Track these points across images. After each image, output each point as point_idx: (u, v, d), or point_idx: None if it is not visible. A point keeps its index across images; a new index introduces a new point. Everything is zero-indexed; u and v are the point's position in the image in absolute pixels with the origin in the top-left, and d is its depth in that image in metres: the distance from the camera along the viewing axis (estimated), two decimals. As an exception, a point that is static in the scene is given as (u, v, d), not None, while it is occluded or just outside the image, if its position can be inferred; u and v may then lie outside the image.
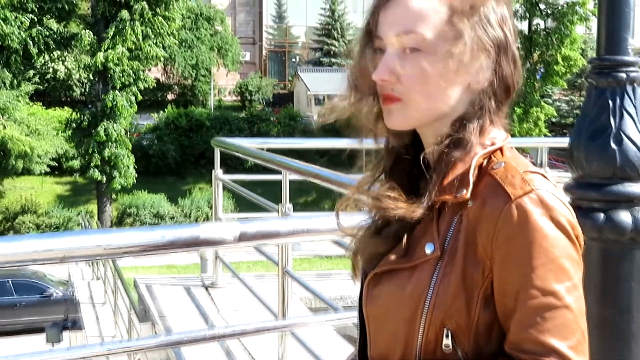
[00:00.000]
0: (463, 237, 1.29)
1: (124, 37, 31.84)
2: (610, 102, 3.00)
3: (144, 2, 32.05)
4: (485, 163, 1.34)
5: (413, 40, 1.34)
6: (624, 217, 2.90)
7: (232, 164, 25.91)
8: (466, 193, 1.30)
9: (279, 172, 5.10)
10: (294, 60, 60.62)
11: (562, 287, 1.24)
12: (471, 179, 1.31)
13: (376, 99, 1.41)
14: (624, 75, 3.00)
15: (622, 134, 2.97)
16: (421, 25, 1.34)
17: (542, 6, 32.67)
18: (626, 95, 3.00)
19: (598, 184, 2.96)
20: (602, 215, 2.90)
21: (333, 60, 54.38)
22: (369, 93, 1.41)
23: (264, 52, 60.10)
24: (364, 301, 1.43)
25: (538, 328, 1.23)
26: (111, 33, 31.97)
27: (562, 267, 1.24)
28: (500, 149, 1.36)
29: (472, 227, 1.28)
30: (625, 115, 2.98)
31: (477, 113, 1.36)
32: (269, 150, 6.54)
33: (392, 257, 1.37)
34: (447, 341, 1.28)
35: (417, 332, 1.30)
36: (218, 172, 6.62)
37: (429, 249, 1.31)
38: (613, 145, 2.96)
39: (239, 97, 52.82)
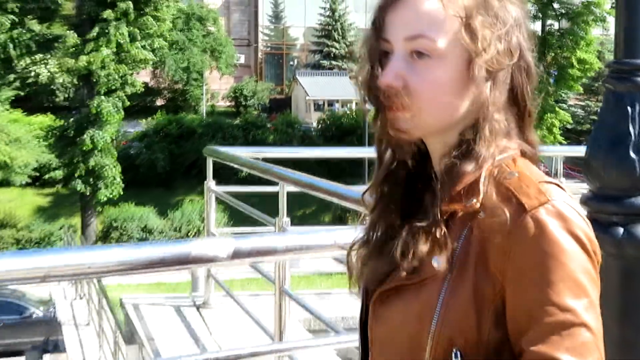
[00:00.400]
0: (474, 250, 1.29)
1: (108, 39, 31.87)
2: (630, 109, 3.01)
3: (130, 1, 32.10)
4: (496, 173, 1.33)
5: (423, 46, 1.34)
6: (646, 231, 2.90)
7: (225, 174, 25.86)
8: (476, 202, 1.30)
9: (276, 184, 5.11)
10: (291, 63, 60.70)
11: (579, 305, 1.23)
12: (482, 187, 1.31)
13: (381, 106, 1.40)
14: (643, 79, 3.01)
15: (642, 142, 2.97)
16: (432, 29, 1.34)
17: (555, 5, 32.71)
18: (647, 101, 3.01)
19: (617, 196, 2.96)
20: (621, 229, 2.89)
21: (333, 63, 54.43)
22: (374, 99, 1.40)
23: (259, 54, 60.19)
24: (370, 322, 1.43)
25: (554, 347, 1.22)
26: (95, 34, 31.98)
27: (580, 284, 1.24)
28: (513, 159, 1.36)
29: (483, 240, 1.28)
30: (646, 122, 2.99)
31: (488, 124, 1.36)
32: (264, 159, 6.54)
33: (399, 273, 1.36)
34: None
35: (424, 352, 1.29)
36: (210, 183, 6.63)
37: (436, 263, 1.31)
38: (633, 155, 2.96)
39: (233, 103, 52.85)
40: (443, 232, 1.32)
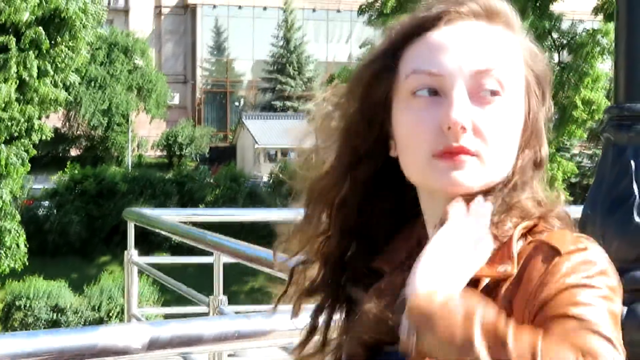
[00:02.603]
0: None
1: (10, 74, 31.67)
2: (633, 163, 3.04)
3: (40, 28, 31.98)
4: (523, 233, 1.40)
5: (494, 81, 1.40)
6: (654, 311, 2.92)
7: (156, 239, 25.63)
8: (512, 268, 1.35)
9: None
10: (237, 104, 60.96)
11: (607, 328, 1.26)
12: (515, 251, 1.37)
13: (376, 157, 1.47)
14: (649, 128, 3.05)
15: (648, 204, 3.00)
16: (503, 62, 1.42)
17: (554, 35, 33.19)
18: (653, 154, 3.05)
19: (619, 268, 2.97)
20: (624, 309, 2.92)
21: (288, 104, 54.73)
22: (429, 138, 1.42)
23: (198, 93, 60.40)
24: None
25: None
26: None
27: (603, 313, 1.28)
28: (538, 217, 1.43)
29: (508, 301, 1.34)
30: (653, 179, 3.03)
31: (523, 174, 1.46)
32: (202, 223, 6.52)
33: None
34: None
35: None
36: (132, 253, 6.61)
37: None
38: (637, 219, 2.99)
39: (166, 152, 52.80)
40: None
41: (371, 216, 1.56)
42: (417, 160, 1.42)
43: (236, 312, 4.66)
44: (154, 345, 2.27)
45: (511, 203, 1.42)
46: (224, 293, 4.98)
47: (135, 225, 6.71)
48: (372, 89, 1.49)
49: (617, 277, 1.36)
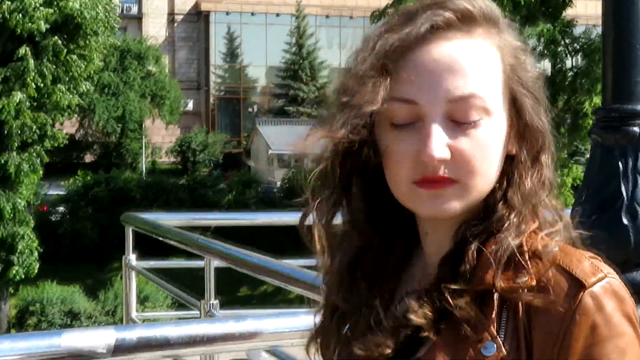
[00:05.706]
0: (522, 334, 1.35)
1: (24, 81, 31.75)
2: (621, 165, 3.01)
3: (56, 37, 32.07)
4: (530, 244, 1.40)
5: (474, 106, 1.38)
6: (643, 315, 2.88)
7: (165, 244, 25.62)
8: (531, 279, 1.35)
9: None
10: (250, 110, 61.01)
11: None
12: (528, 261, 1.37)
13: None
14: (636, 129, 3.02)
15: (636, 205, 2.97)
16: (481, 85, 1.39)
17: (567, 40, 33.01)
18: (640, 155, 3.02)
19: (607, 272, 2.95)
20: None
21: (301, 109, 54.77)
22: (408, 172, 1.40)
23: (211, 99, 60.49)
24: None
25: None
26: (5, 74, 31.85)
27: None
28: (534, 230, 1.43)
29: (527, 320, 1.35)
30: (640, 180, 2.99)
31: (522, 185, 1.45)
32: (214, 228, 6.52)
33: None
34: None
35: None
36: (130, 257, 6.61)
37: (489, 351, 1.34)
38: (625, 221, 2.96)
39: (179, 158, 52.88)
40: (475, 308, 1.37)
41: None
42: (400, 186, 1.41)
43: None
44: (120, 349, 2.24)
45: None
46: (218, 296, 4.96)
47: (136, 230, 6.71)
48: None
49: (633, 303, 1.37)
